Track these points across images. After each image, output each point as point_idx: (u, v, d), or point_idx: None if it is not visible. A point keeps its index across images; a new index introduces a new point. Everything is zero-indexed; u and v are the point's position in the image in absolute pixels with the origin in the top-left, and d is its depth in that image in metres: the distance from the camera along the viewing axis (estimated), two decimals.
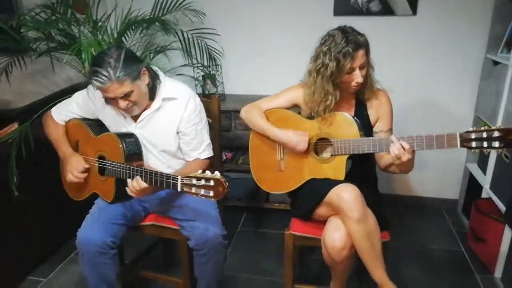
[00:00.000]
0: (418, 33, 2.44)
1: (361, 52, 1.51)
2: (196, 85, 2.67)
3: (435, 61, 2.47)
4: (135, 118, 1.64)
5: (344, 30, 1.53)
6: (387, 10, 2.42)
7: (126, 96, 1.49)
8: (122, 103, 1.50)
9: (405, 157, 1.42)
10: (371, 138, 1.56)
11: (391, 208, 2.66)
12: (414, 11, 2.39)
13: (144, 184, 1.46)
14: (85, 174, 1.66)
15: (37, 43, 2.15)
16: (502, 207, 1.99)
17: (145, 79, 1.56)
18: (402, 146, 1.42)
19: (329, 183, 1.54)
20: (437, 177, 2.69)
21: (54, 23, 2.13)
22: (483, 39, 2.34)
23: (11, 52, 2.11)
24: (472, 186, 2.51)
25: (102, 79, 1.42)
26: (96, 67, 1.44)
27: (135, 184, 1.48)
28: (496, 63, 2.23)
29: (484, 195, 2.24)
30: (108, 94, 1.48)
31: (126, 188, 1.51)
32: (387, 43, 2.46)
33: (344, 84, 1.58)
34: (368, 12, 2.44)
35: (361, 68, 1.54)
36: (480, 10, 2.32)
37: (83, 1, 2.24)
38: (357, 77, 1.53)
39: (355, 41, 1.49)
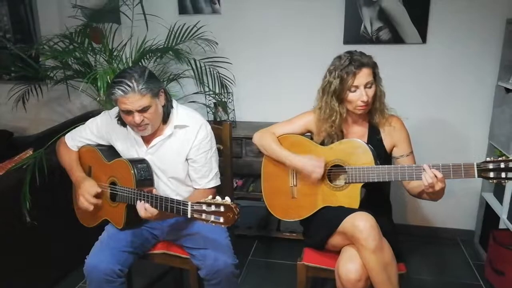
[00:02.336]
0: (429, 60, 2.45)
1: (365, 71, 1.53)
2: (207, 112, 2.70)
3: (447, 88, 2.47)
4: (147, 143, 1.65)
5: (350, 52, 1.59)
6: (396, 38, 2.44)
7: (143, 110, 1.50)
8: (138, 118, 1.51)
9: (438, 186, 1.40)
10: (386, 166, 1.54)
11: (406, 238, 2.61)
12: (423, 39, 2.41)
13: (151, 210, 1.45)
14: (98, 200, 1.65)
15: (54, 71, 2.20)
16: None
17: (162, 100, 1.58)
18: (435, 175, 1.40)
19: (343, 211, 1.51)
20: (453, 207, 2.63)
21: (71, 52, 2.19)
22: (494, 66, 2.34)
23: (29, 80, 2.17)
24: (489, 216, 2.44)
25: (126, 88, 1.45)
26: (120, 78, 1.47)
27: (143, 210, 1.47)
28: (508, 90, 2.22)
29: (501, 225, 2.17)
30: (126, 106, 1.49)
31: (138, 206, 1.50)
32: (397, 71, 2.47)
33: (350, 103, 1.58)
34: (378, 41, 2.47)
35: (366, 87, 1.55)
36: (491, 37, 2.33)
37: (100, 31, 2.32)
38: (362, 95, 1.54)
39: (358, 60, 1.54)
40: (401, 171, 1.49)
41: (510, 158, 1.34)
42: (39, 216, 1.94)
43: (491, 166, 1.36)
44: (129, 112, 1.51)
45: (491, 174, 1.36)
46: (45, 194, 2.04)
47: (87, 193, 1.63)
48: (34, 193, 1.91)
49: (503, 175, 1.34)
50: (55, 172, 1.90)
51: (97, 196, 1.65)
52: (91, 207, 1.64)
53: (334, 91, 1.58)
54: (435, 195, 1.46)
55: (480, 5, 2.31)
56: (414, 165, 1.53)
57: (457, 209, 2.64)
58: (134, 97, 1.47)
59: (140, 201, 1.49)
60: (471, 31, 2.36)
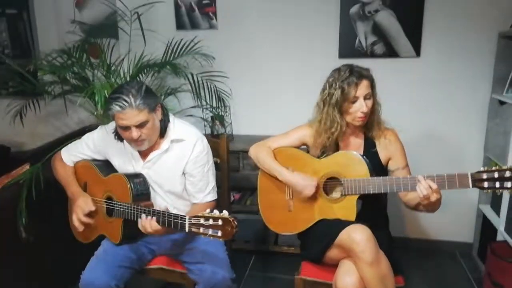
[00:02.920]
0: (423, 74, 2.48)
1: (365, 82, 1.56)
2: (205, 126, 2.71)
3: (441, 101, 2.50)
4: (143, 157, 1.66)
5: (349, 64, 1.62)
6: (391, 52, 2.48)
7: (140, 126, 1.51)
8: (135, 133, 1.51)
9: (434, 197, 1.40)
10: (381, 177, 1.54)
11: (404, 251, 2.59)
12: (417, 53, 2.45)
13: (156, 225, 1.44)
14: (90, 220, 1.64)
15: (52, 86, 2.22)
16: None
17: (159, 115, 1.59)
18: (430, 186, 1.40)
19: (340, 224, 1.51)
20: (450, 219, 2.62)
21: (70, 67, 2.21)
22: (488, 79, 2.37)
23: (27, 95, 2.18)
24: (486, 228, 2.44)
25: (123, 104, 1.45)
26: (117, 94, 1.48)
27: (147, 225, 1.46)
28: (502, 102, 2.24)
29: (499, 237, 2.17)
30: (123, 122, 1.49)
31: (139, 222, 1.49)
32: (392, 84, 2.49)
33: (350, 115, 1.60)
34: (372, 55, 2.50)
35: (365, 98, 1.57)
36: (484, 51, 2.37)
37: (98, 47, 2.34)
38: (362, 106, 1.56)
39: (359, 72, 1.56)
40: (396, 182, 1.50)
41: (503, 168, 1.35)
42: (35, 231, 1.92)
43: (485, 176, 1.37)
44: (127, 128, 1.51)
45: (485, 184, 1.37)
46: (41, 209, 2.04)
47: (80, 211, 1.63)
48: (31, 208, 1.90)
49: (497, 184, 1.35)
50: (51, 187, 1.90)
51: (90, 214, 1.64)
52: (81, 227, 1.63)
53: (336, 103, 1.58)
54: (431, 206, 1.46)
55: (473, 19, 2.35)
56: (409, 176, 1.54)
57: (454, 221, 2.63)
58: (131, 113, 1.47)
59: (145, 217, 1.47)
60: (464, 44, 2.39)
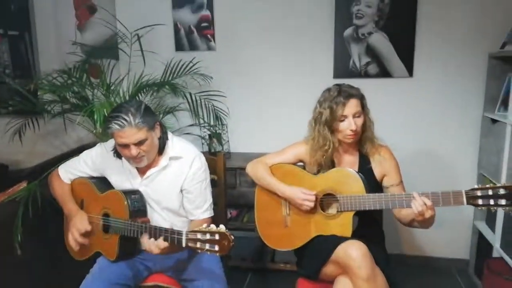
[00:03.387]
0: (416, 93, 2.54)
1: (353, 101, 1.60)
2: (202, 144, 2.74)
3: (435, 119, 2.55)
4: (141, 174, 1.67)
5: (339, 84, 1.67)
6: (384, 72, 2.54)
7: (139, 143, 1.52)
8: (134, 151, 1.52)
9: (428, 213, 1.42)
10: (376, 194, 1.56)
11: (401, 268, 2.58)
12: (410, 73, 2.51)
13: (164, 244, 1.42)
14: (85, 240, 1.64)
15: (51, 105, 2.25)
16: None
17: (157, 133, 1.61)
18: (425, 203, 1.42)
19: (336, 240, 1.52)
20: (446, 236, 2.64)
21: (70, 86, 2.24)
22: (479, 98, 2.43)
23: (26, 114, 2.21)
24: (482, 245, 2.45)
25: (122, 122, 1.47)
26: (116, 113, 1.50)
27: (153, 246, 1.44)
28: (494, 121, 2.29)
29: (495, 254, 2.18)
30: (123, 140, 1.51)
31: (144, 243, 1.47)
32: (386, 103, 2.55)
33: (340, 133, 1.64)
34: (366, 75, 2.56)
35: (355, 116, 1.61)
36: (475, 71, 2.44)
37: (98, 67, 2.39)
38: (351, 124, 1.60)
39: (347, 92, 1.61)
40: (391, 199, 1.52)
41: (497, 185, 1.38)
42: (31, 249, 1.91)
43: (479, 193, 1.39)
44: (126, 146, 1.53)
45: (480, 201, 1.39)
46: (38, 227, 2.03)
47: (76, 230, 1.62)
48: (27, 226, 1.90)
49: (491, 202, 1.37)
50: (48, 204, 1.90)
51: (86, 234, 1.64)
52: (77, 247, 1.63)
53: (326, 121, 1.63)
54: (425, 223, 1.48)
55: (464, 41, 2.43)
56: (404, 193, 1.56)
57: (450, 238, 2.64)
58: (130, 131, 1.49)
59: (147, 238, 1.46)
60: (456, 65, 2.46)
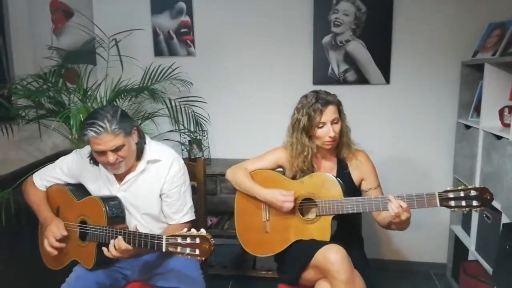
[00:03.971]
0: (392, 100, 2.60)
1: (330, 108, 1.62)
2: (182, 150, 2.72)
3: (411, 125, 2.61)
4: (119, 180, 1.65)
5: (316, 91, 1.69)
6: (362, 79, 2.59)
7: (117, 150, 1.50)
8: (112, 157, 1.50)
9: (404, 215, 1.45)
10: (354, 198, 1.59)
11: (380, 272, 2.61)
12: (387, 80, 2.57)
13: (125, 245, 1.42)
14: (62, 245, 1.59)
15: (26, 110, 2.19)
16: (489, 268, 1.97)
17: (135, 138, 1.60)
18: (400, 205, 1.45)
19: (315, 245, 1.53)
20: (424, 240, 2.69)
21: (45, 91, 2.19)
22: (453, 104, 2.51)
23: None
24: (459, 248, 2.50)
25: (98, 129, 1.45)
26: (92, 119, 1.47)
27: (116, 245, 1.44)
28: (468, 126, 2.36)
29: (470, 257, 2.23)
30: (99, 147, 1.48)
31: (104, 249, 1.46)
32: (363, 109, 2.60)
33: (319, 139, 1.65)
34: (344, 82, 2.61)
35: (333, 123, 1.63)
36: (449, 78, 2.51)
37: (75, 72, 2.35)
38: (329, 131, 1.62)
39: (324, 99, 1.63)
40: (368, 202, 1.55)
41: (468, 187, 1.42)
42: (4, 258, 1.85)
43: (451, 195, 1.43)
44: (103, 152, 1.50)
45: (452, 203, 1.43)
46: (11, 236, 1.97)
47: (52, 236, 1.58)
48: (0, 234, 1.84)
49: (463, 203, 1.41)
50: (22, 213, 1.85)
51: (62, 239, 1.60)
52: (54, 252, 1.59)
53: (303, 128, 1.65)
54: (402, 225, 1.51)
55: (438, 49, 2.50)
56: (380, 196, 1.59)
57: (428, 242, 2.69)
58: (107, 138, 1.47)
59: (112, 242, 1.45)
60: (431, 72, 2.53)
